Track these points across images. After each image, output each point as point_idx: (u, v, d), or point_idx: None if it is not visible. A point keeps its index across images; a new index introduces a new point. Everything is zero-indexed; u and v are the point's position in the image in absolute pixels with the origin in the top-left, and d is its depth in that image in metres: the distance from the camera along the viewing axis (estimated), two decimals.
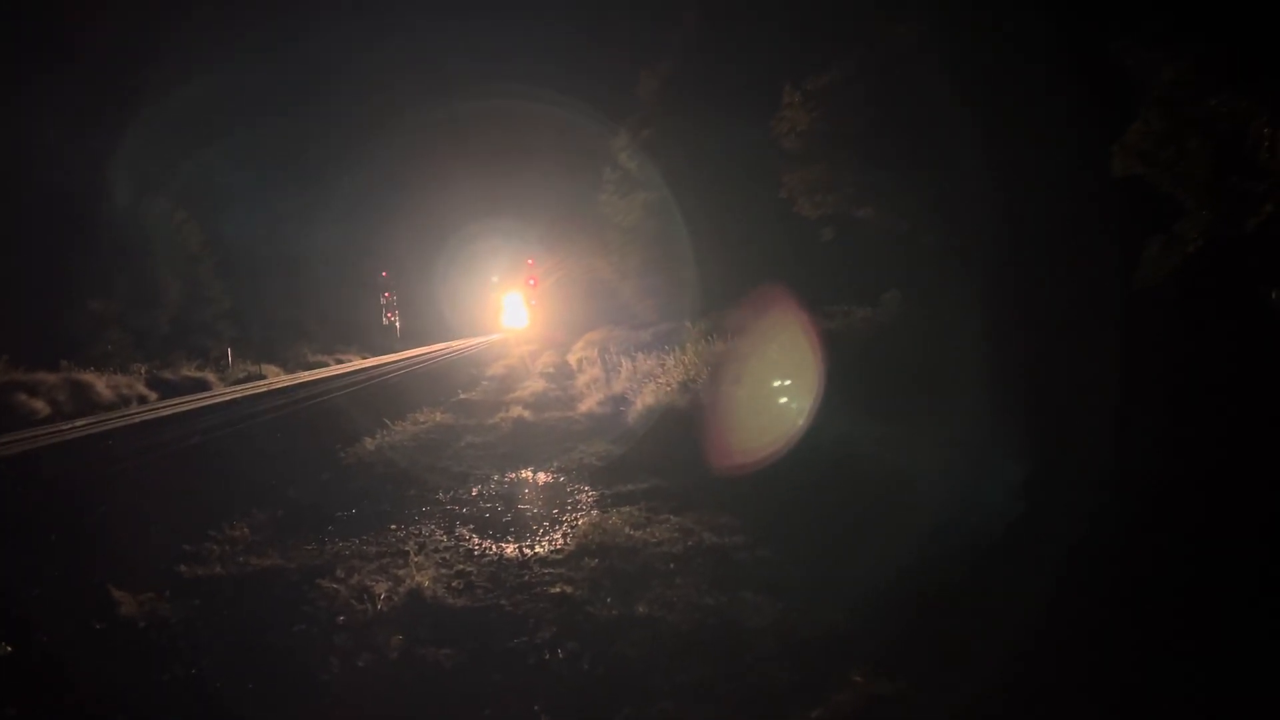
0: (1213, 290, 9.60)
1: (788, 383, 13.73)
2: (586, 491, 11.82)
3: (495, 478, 13.17)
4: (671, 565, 8.11)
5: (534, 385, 28.40)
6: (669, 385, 16.87)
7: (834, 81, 15.18)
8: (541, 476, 13.17)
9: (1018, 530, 8.35)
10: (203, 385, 34.52)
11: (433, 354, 50.90)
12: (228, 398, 24.80)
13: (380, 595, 7.47)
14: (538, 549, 9.01)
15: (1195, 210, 9.06)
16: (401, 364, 39.52)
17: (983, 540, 8.18)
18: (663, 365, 18.13)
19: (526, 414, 20.18)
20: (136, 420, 19.76)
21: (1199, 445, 8.91)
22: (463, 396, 27.53)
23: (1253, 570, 6.81)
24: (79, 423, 19.73)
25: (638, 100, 29.50)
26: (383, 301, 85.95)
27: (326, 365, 46.67)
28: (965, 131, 13.04)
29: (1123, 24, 9.63)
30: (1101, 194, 10.58)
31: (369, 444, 16.61)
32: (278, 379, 35.74)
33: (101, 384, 28.88)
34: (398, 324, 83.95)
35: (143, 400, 28.87)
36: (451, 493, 12.07)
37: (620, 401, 19.27)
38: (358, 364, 43.72)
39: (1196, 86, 9.00)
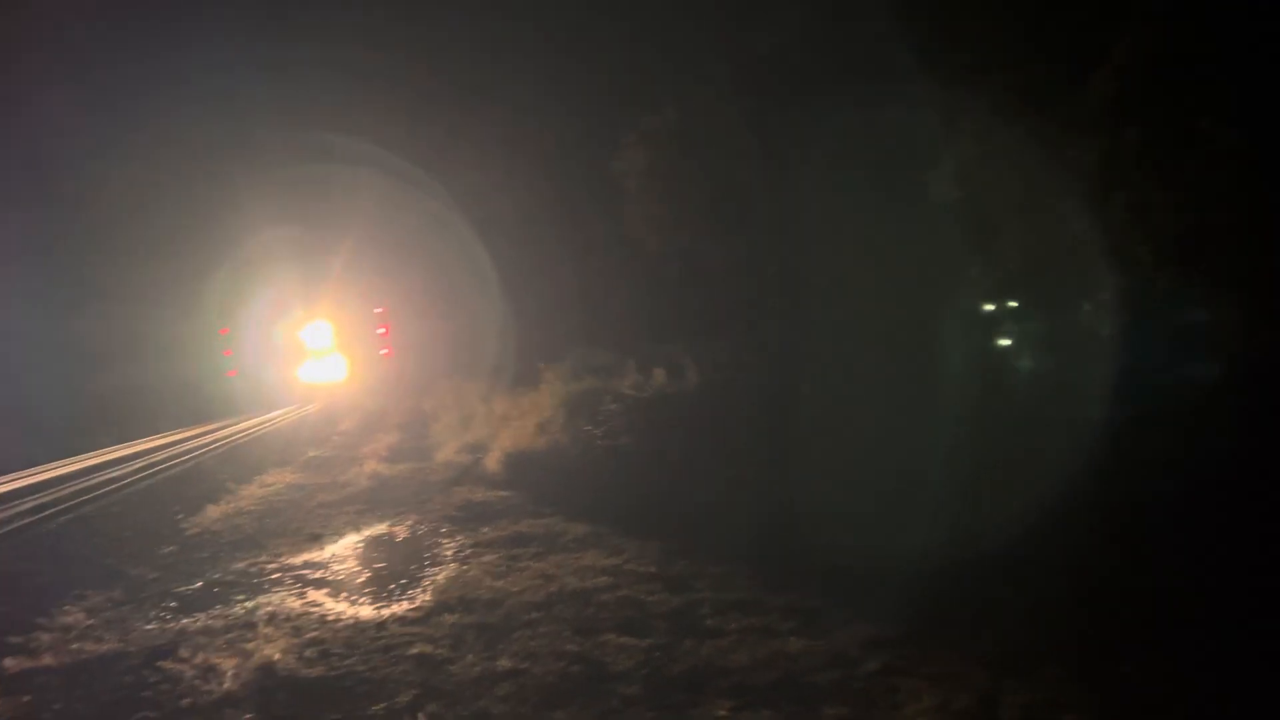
0: (1034, 308, 10.24)
1: (642, 421, 13.88)
2: (446, 544, 11.60)
3: (350, 537, 12.74)
4: (534, 614, 8.05)
5: (388, 438, 27.65)
6: (525, 428, 16.78)
7: (666, 122, 15.59)
8: (399, 531, 12.82)
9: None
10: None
11: (275, 418, 49.00)
12: (58, 473, 23.18)
13: (228, 673, 7.12)
14: (395, 608, 8.78)
15: (1014, 232, 9.63)
16: (245, 428, 37.90)
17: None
18: (518, 408, 18.02)
19: (381, 468, 19.66)
20: None
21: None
22: (313, 454, 26.58)
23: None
24: None
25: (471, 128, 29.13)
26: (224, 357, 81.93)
27: (161, 433, 44.22)
28: (792, 166, 13.58)
29: (918, 65, 10.19)
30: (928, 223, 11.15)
31: (214, 512, 15.83)
32: (110, 450, 33.64)
33: None
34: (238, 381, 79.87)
35: None
36: (304, 556, 11.62)
37: (478, 449, 19.00)
38: (196, 429, 41.55)
39: (1001, 116, 9.61)
